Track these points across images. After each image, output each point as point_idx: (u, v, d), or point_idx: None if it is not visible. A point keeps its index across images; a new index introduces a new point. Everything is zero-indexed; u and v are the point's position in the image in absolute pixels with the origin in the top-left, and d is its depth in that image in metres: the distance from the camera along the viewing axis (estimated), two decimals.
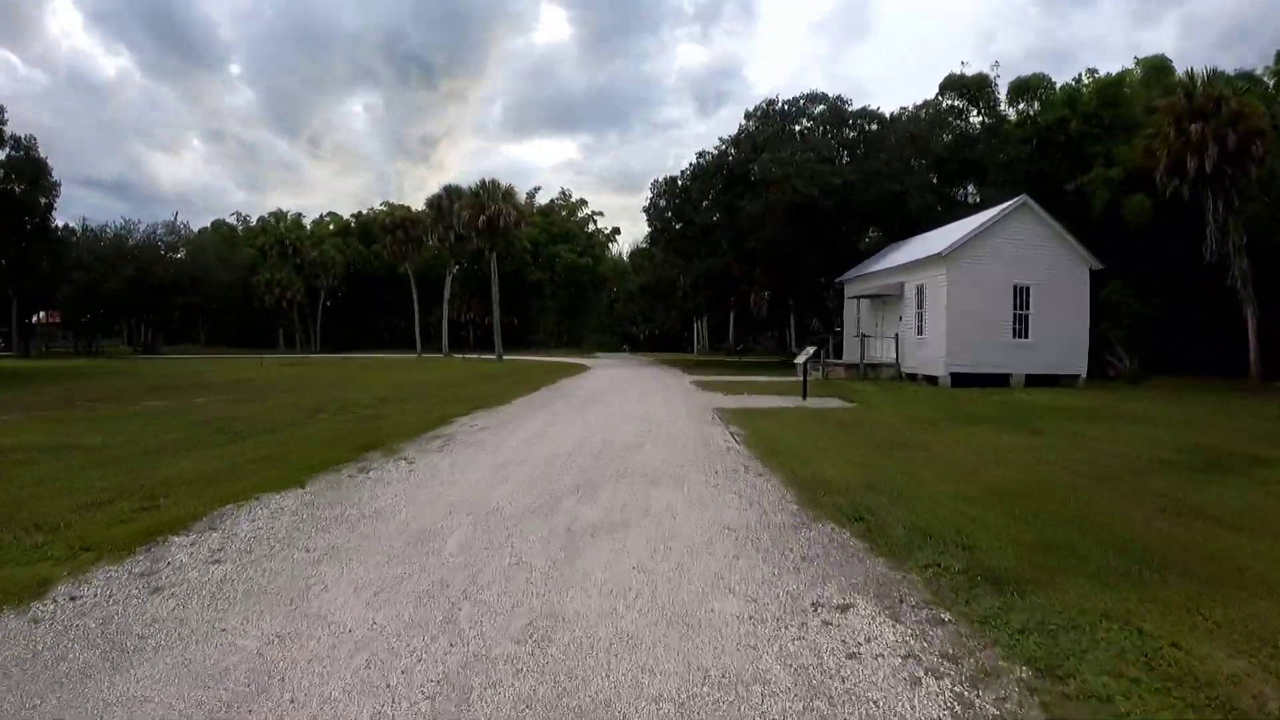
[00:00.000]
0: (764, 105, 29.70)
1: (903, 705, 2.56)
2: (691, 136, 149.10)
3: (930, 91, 44.84)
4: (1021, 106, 37.61)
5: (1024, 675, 2.76)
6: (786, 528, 4.93)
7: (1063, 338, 20.82)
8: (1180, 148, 20.38)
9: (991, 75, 37.67)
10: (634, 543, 4.56)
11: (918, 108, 35.09)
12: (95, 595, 3.60)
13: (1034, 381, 19.99)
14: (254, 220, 79.19)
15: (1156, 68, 34.03)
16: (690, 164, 29.98)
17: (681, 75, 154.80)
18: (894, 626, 3.26)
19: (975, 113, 38.45)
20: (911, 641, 3.09)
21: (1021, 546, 4.38)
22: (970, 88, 37.86)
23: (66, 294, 59.06)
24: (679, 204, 31.13)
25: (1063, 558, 4.19)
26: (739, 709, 2.54)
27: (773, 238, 25.85)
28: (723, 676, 2.77)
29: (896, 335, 22.26)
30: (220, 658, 2.93)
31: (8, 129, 31.72)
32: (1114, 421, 11.37)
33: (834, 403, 14.07)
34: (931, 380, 20.07)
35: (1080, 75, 36.71)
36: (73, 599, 3.54)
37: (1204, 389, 19.03)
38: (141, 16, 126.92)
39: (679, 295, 33.94)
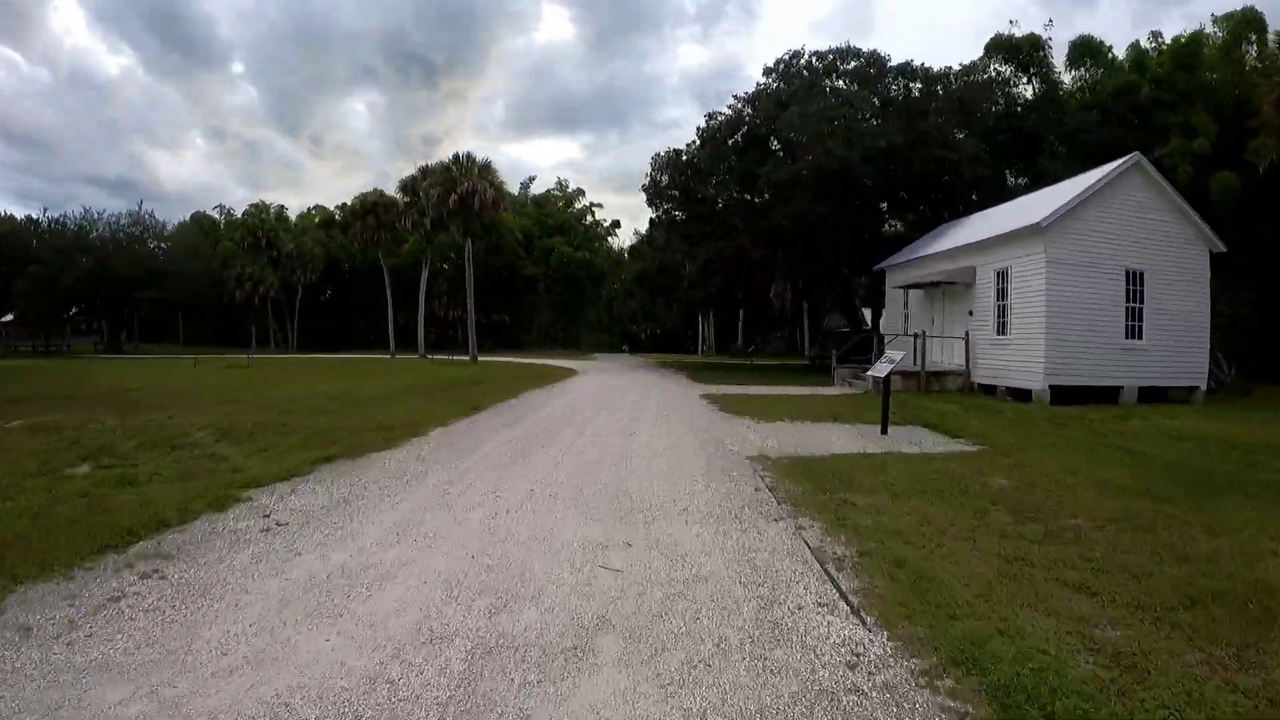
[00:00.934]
0: (787, 59, 24.37)
1: None
2: (693, 136, 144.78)
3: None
4: (1082, 71, 32.73)
5: None
6: None
7: (1180, 338, 15.87)
8: None
9: (1044, 37, 32.57)
10: None
11: (957, 74, 29.86)
12: None
13: (1143, 396, 15.11)
14: (239, 214, 74.31)
15: (1246, 20, 28.84)
16: (699, 128, 24.83)
17: (683, 75, 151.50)
18: None
19: (1025, 79, 33.38)
20: None
21: None
22: (1021, 50, 32.76)
23: (23, 289, 54.43)
24: (685, 179, 26.05)
25: None
26: None
27: (799, 213, 20.81)
28: None
29: (967, 334, 17.25)
30: None
31: None
32: None
33: (932, 440, 9.05)
34: (1020, 395, 15.07)
35: (1138, 41, 31.78)
36: None
37: None
38: (144, 15, 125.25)
39: (683, 286, 28.83)
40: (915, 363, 19.18)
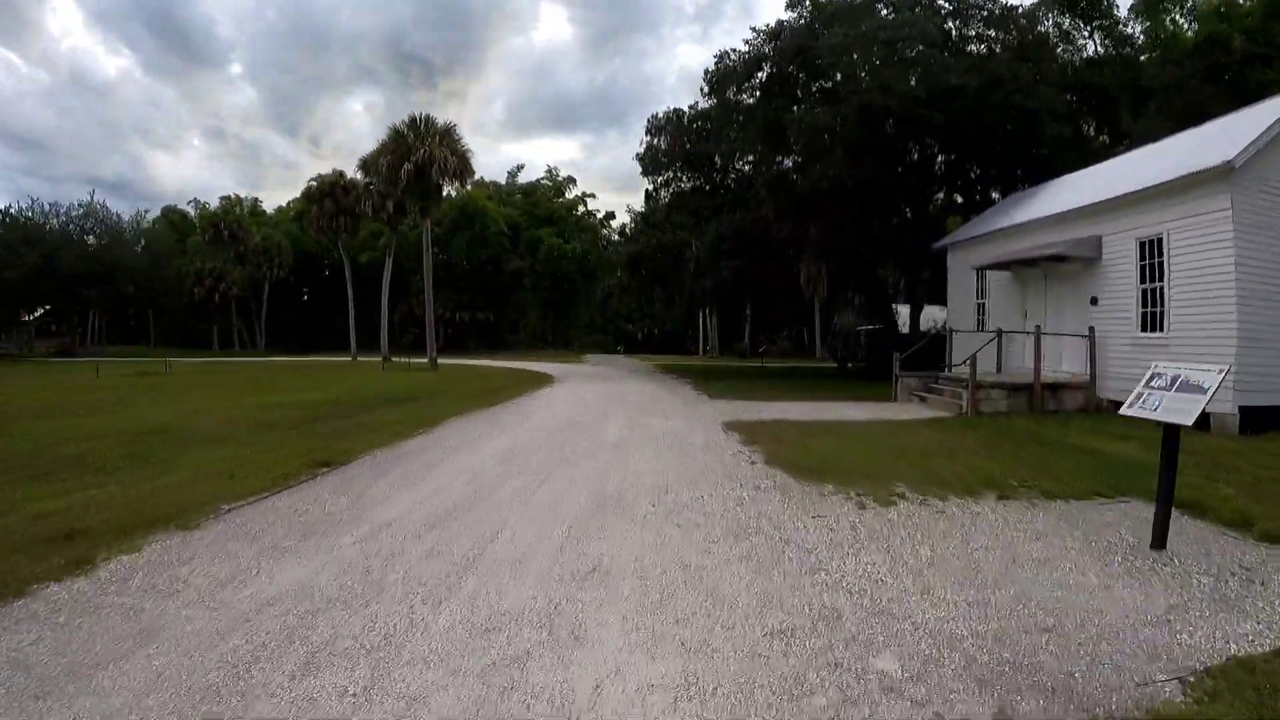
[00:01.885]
0: None
1: None
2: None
3: None
4: (1152, 22, 27.92)
5: None
6: None
7: None
8: None
9: None
10: None
11: (1020, 15, 24.86)
12: None
13: None
14: (213, 207, 68.94)
15: None
16: (707, 70, 19.60)
17: (682, 75, 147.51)
18: None
19: (1087, 30, 28.47)
20: None
21: None
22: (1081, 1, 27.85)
23: None
24: (688, 142, 21.00)
25: None
26: None
27: (839, 175, 15.79)
28: None
29: (1091, 331, 12.26)
30: None
31: None
32: None
33: (1254, 555, 4.07)
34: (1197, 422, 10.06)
35: None
36: None
37: None
38: (142, 16, 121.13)
39: (688, 270, 23.65)
40: (997, 368, 14.28)
